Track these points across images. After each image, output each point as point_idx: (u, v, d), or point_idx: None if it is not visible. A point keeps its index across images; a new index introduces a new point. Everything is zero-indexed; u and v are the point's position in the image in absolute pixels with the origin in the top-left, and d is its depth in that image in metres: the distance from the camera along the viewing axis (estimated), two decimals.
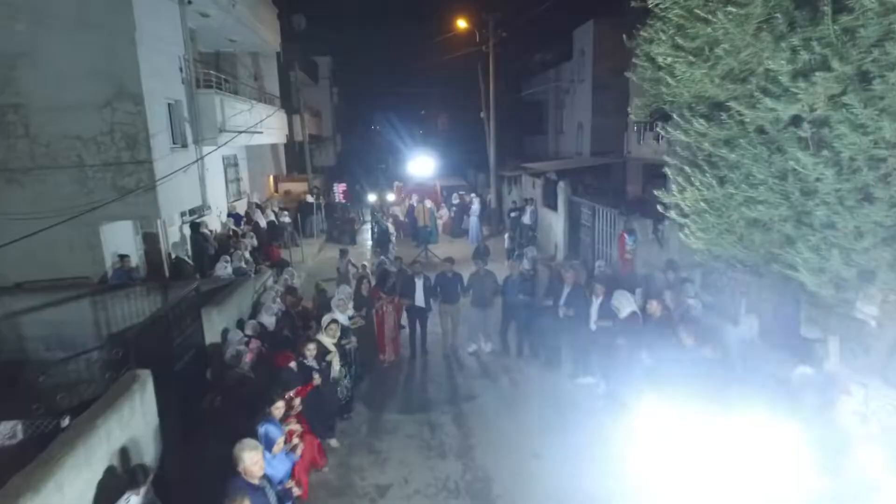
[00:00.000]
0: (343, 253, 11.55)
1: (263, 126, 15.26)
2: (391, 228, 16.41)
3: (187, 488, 4.73)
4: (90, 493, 4.07)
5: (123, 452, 4.57)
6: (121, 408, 4.77)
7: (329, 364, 6.54)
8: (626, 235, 9.54)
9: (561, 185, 14.34)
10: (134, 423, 4.92)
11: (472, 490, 5.76)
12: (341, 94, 34.73)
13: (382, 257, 11.79)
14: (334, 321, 7.01)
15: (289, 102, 22.40)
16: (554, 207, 15.00)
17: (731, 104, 4.05)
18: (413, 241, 17.31)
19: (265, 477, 4.07)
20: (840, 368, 5.73)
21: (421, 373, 8.69)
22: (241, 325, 7.92)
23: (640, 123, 16.58)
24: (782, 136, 3.94)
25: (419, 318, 9.00)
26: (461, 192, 20.68)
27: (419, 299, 8.89)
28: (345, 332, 7.25)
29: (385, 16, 55.63)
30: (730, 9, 3.56)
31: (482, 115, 20.95)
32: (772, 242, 4.40)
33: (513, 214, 18.27)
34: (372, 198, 21.45)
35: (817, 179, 3.87)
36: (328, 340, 6.71)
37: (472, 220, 18.44)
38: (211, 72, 12.05)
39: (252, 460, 3.86)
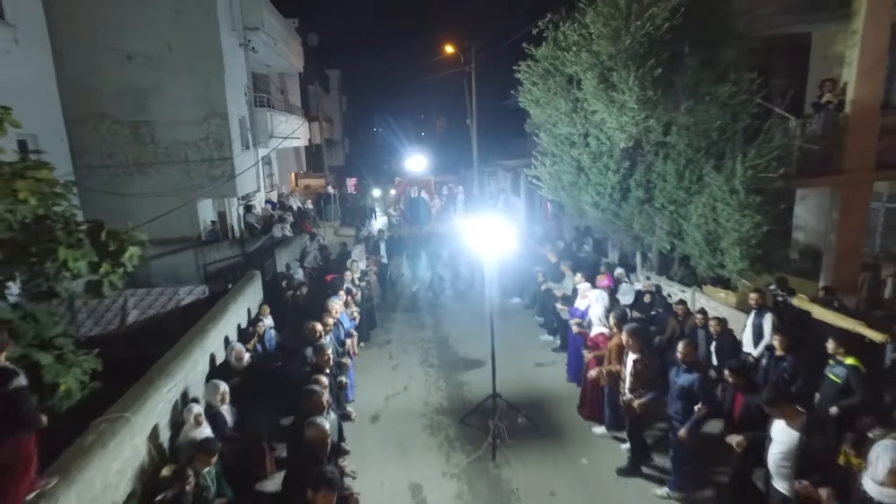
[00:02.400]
0: (358, 228, 16.06)
1: (293, 131, 19.78)
2: (392, 212, 20.92)
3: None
4: (242, 318, 8.53)
5: (250, 302, 9.07)
6: (252, 282, 9.31)
7: (360, 291, 10.83)
8: (549, 204, 14.06)
9: (522, 176, 18.81)
10: (255, 291, 9.44)
11: (438, 340, 10.25)
12: (349, 102, 39.24)
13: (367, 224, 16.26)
14: (355, 261, 11.40)
15: (307, 111, 26.96)
16: (518, 194, 19.49)
17: (550, 127, 8.56)
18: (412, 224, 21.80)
19: (338, 320, 8.39)
20: (641, 270, 10.24)
21: (404, 297, 13.16)
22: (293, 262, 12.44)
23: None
24: (575, 140, 8.47)
25: (381, 270, 13.33)
26: (450, 185, 25.19)
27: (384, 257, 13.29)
28: (363, 275, 11.56)
29: (389, 34, 60.46)
30: (539, 86, 8.08)
31: (468, 121, 25.42)
32: (580, 193, 8.90)
33: (490, 202, 22.78)
34: (376, 192, 25.91)
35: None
36: (354, 275, 10.99)
37: (458, 207, 22.94)
38: (263, 95, 16.59)
39: (334, 304, 8.16)
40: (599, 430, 6.72)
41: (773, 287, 7.68)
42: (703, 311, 7.41)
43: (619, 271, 10.01)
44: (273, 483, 5.84)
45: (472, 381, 8.50)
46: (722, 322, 6.90)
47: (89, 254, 5.31)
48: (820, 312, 6.31)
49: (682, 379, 5.13)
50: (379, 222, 18.69)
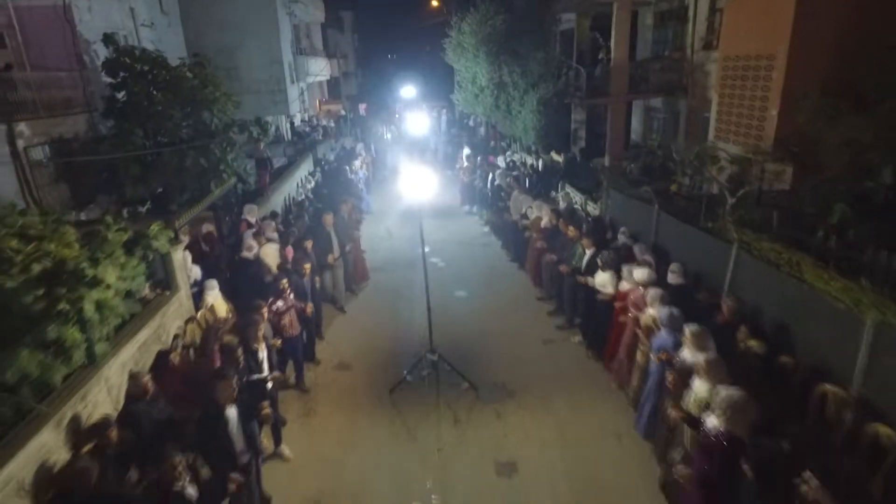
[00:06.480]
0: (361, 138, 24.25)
1: (320, 70, 27.62)
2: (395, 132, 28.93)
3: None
4: (307, 170, 17.08)
5: (308, 166, 17.64)
6: (309, 156, 17.81)
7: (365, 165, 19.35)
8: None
9: None
10: (309, 162, 17.98)
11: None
12: (361, 40, 46.10)
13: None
14: (361, 150, 19.81)
15: (327, 51, 34.41)
16: None
17: (460, 73, 16.59)
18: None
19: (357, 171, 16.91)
20: (518, 151, 18.50)
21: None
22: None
23: None
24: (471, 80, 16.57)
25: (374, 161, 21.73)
26: (437, 109, 33.04)
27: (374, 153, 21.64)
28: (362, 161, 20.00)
29: None
30: (452, 52, 16.03)
31: None
32: (477, 108, 17.03)
33: (465, 121, 30.70)
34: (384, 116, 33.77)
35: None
36: (361, 155, 19.44)
37: (441, 127, 30.91)
38: (302, 45, 24.40)
39: (356, 162, 16.66)
40: (468, 206, 15.30)
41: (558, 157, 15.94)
42: (523, 163, 15.72)
43: (508, 152, 18.30)
44: None
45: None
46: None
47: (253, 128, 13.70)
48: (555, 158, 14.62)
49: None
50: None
